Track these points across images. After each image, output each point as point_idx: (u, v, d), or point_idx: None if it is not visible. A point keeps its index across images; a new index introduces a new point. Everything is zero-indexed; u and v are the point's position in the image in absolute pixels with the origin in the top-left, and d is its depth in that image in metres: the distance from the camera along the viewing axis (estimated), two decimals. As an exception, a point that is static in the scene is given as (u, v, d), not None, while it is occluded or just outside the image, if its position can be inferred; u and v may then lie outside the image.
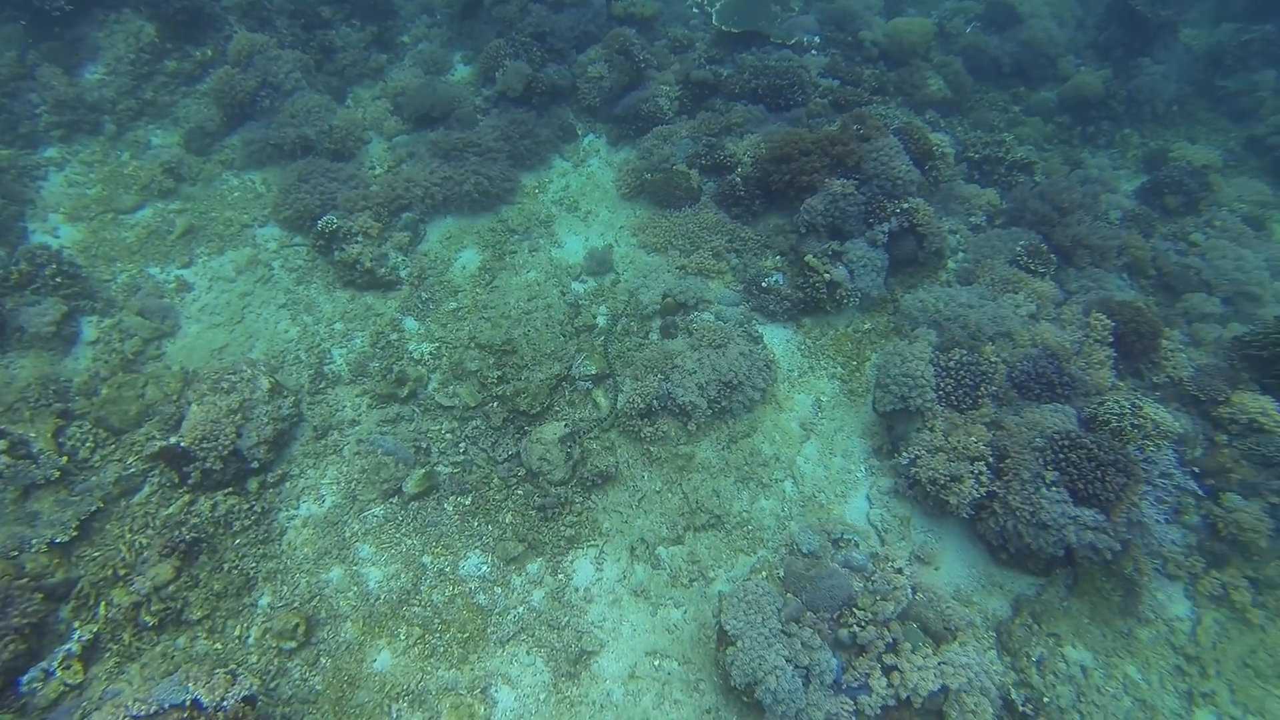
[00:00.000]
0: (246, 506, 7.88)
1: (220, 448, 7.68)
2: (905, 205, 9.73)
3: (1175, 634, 8.00)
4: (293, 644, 7.05)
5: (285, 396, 8.51)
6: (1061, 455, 7.54)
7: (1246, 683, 7.74)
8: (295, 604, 7.47)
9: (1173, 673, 7.79)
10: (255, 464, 7.97)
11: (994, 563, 8.18)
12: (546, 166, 11.89)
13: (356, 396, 9.15)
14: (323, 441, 8.70)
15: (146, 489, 7.90)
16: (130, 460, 7.95)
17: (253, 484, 8.02)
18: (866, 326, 9.97)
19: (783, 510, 8.54)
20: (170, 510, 7.57)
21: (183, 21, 11.62)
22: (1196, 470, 8.38)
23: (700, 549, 8.24)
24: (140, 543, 7.31)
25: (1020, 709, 7.25)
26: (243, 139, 11.24)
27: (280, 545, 7.90)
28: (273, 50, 11.37)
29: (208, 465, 7.64)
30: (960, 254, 10.58)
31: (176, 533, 7.27)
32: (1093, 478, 7.29)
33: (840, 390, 9.45)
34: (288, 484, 8.31)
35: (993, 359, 8.76)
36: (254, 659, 7.09)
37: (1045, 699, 7.42)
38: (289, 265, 10.32)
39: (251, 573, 7.60)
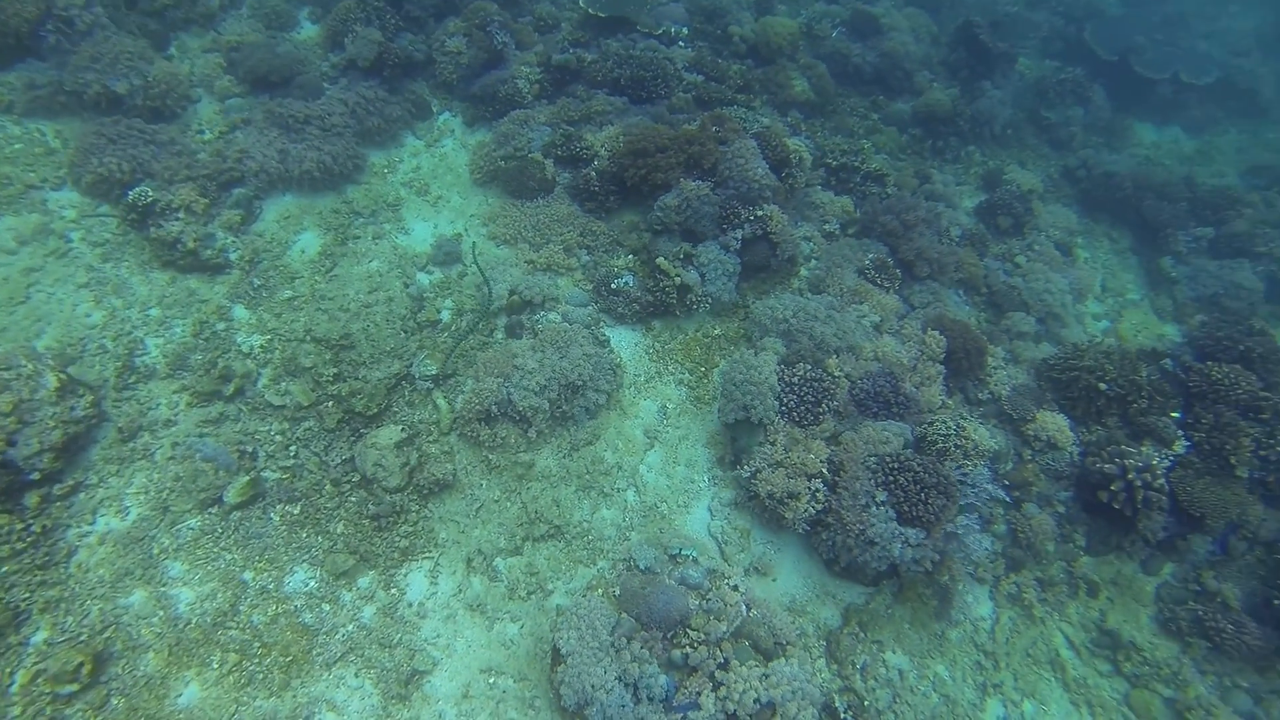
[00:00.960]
0: (20, 526, 6.93)
1: (-20, 460, 6.68)
2: (760, 212, 9.77)
3: (978, 632, 8.65)
4: (74, 687, 6.26)
5: (80, 395, 7.55)
6: (891, 477, 7.85)
7: (1027, 670, 8.52)
8: (82, 637, 6.67)
9: (973, 668, 8.43)
10: (35, 475, 7.02)
11: (828, 574, 8.52)
12: (398, 144, 11.13)
13: (174, 393, 8.29)
14: (130, 445, 7.82)
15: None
16: None
17: (31, 498, 7.06)
18: (716, 332, 10.00)
19: (624, 520, 8.49)
20: (-88, 537, 6.53)
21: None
22: (1007, 484, 8.97)
23: (539, 560, 8.08)
24: None
25: (842, 715, 7.57)
26: (24, 80, 9.67)
27: (66, 569, 7.04)
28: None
29: (-41, 480, 6.62)
30: (813, 261, 10.79)
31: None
32: (917, 500, 7.65)
33: (687, 397, 9.45)
34: (81, 495, 7.42)
35: (836, 374, 8.99)
36: (16, 712, 6.25)
37: (865, 703, 7.80)
38: (93, 239, 9.13)
39: (22, 605, 6.71)
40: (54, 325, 8.39)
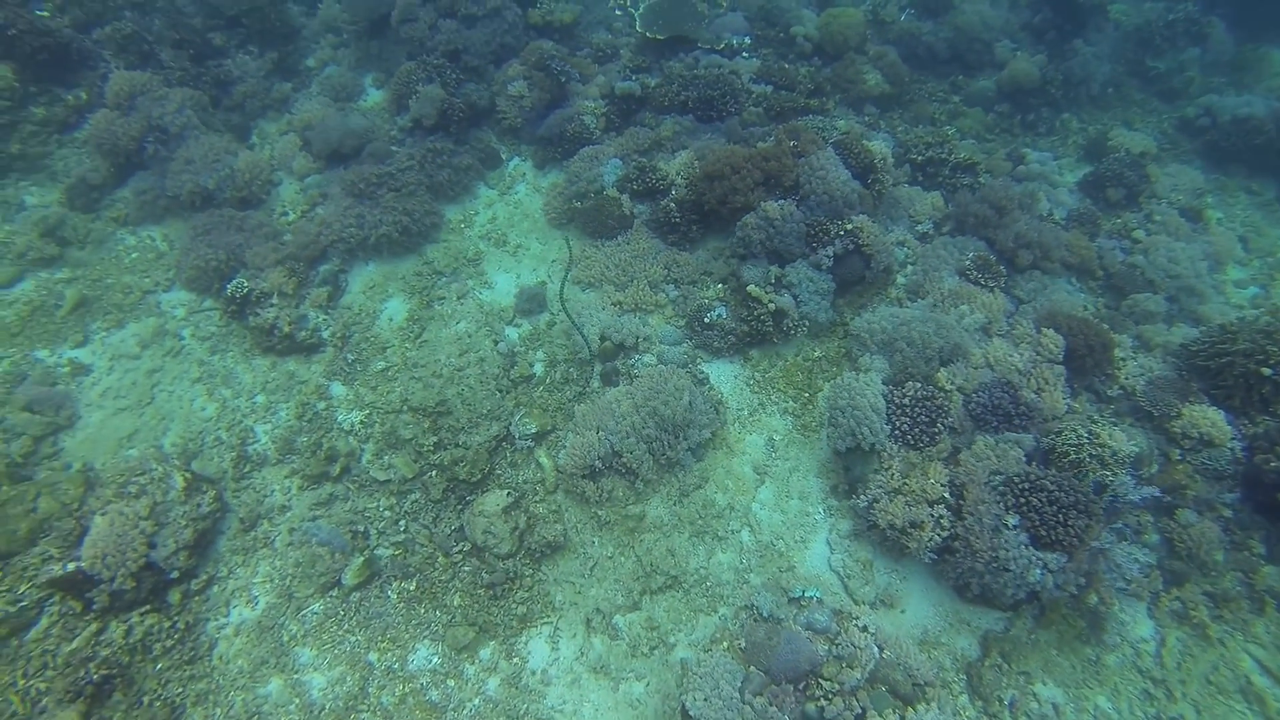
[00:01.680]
0: (168, 624, 7.23)
1: (129, 564, 6.98)
2: (849, 225, 9.27)
3: (1141, 656, 7.85)
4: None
5: (204, 491, 7.82)
6: (1022, 499, 7.23)
7: (1211, 701, 7.64)
8: (229, 730, 6.88)
9: (1141, 698, 7.66)
10: (175, 573, 7.29)
11: (960, 600, 7.93)
12: (471, 196, 11.16)
13: (285, 478, 8.51)
14: (251, 534, 8.07)
15: (44, 622, 7.09)
16: (22, 589, 7.12)
17: (174, 595, 7.35)
18: (817, 354, 9.56)
19: (741, 562, 8.17)
20: (74, 645, 6.85)
21: (45, 60, 10.47)
22: (1157, 491, 8.17)
23: (659, 613, 7.85)
24: (36, 689, 6.58)
25: (997, 761, 7.06)
26: (134, 191, 10.26)
27: (210, 661, 7.29)
28: (157, 89, 10.35)
29: (116, 586, 6.93)
30: (909, 266, 10.19)
31: (82, 671, 6.57)
32: (1054, 522, 7.03)
33: (793, 426, 9.04)
34: (215, 588, 7.67)
35: (947, 387, 8.42)
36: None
37: (1020, 743, 7.25)
38: (200, 333, 9.52)
39: (178, 700, 6.99)
40: (176, 422, 8.78)
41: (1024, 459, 7.78)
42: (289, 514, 8.23)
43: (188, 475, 7.80)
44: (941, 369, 8.70)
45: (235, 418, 8.87)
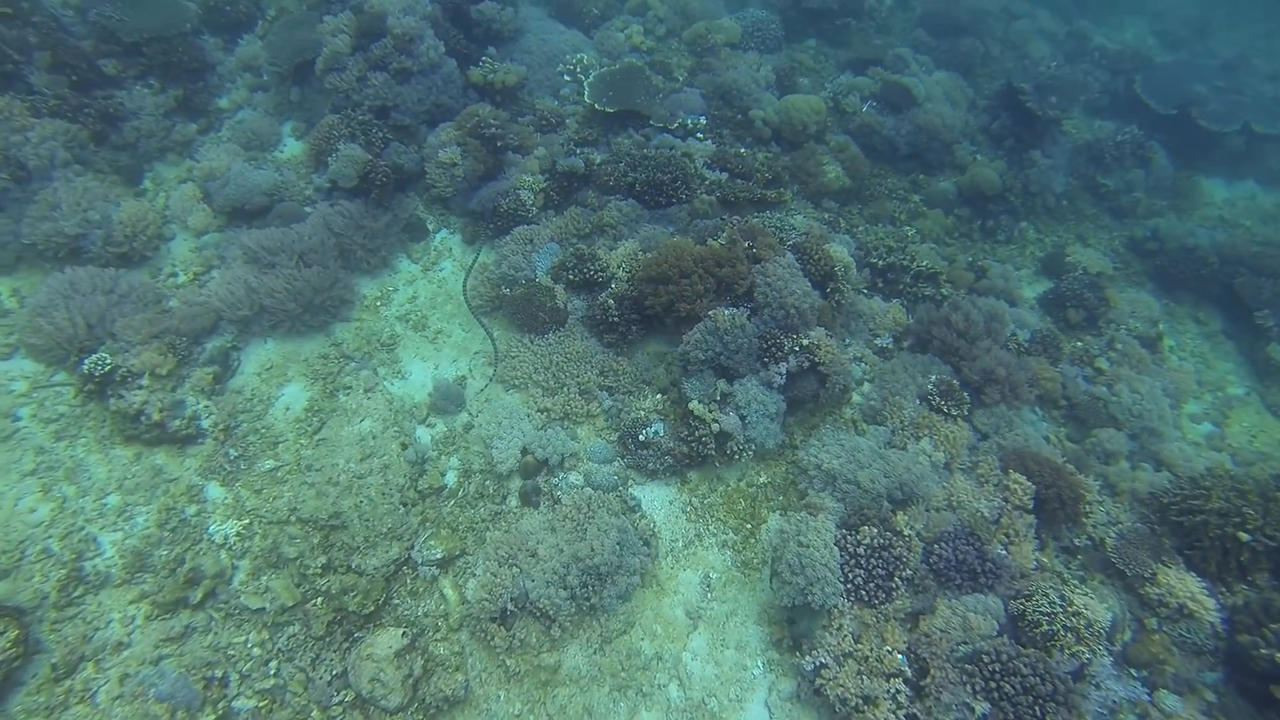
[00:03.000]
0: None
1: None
2: (805, 340, 8.61)
3: None
4: None
5: (1, 631, 6.40)
6: (993, 683, 6.51)
7: None
8: None
9: None
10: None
11: (914, 782, 7.10)
12: (391, 270, 10.15)
13: (130, 604, 7.19)
14: (64, 685, 6.64)
15: None
16: None
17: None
18: (762, 480, 8.81)
19: (668, 725, 7.19)
20: None
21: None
22: (1134, 671, 7.57)
23: (570, 789, 6.78)
24: None
25: None
26: (-21, 237, 8.84)
27: None
28: (19, 118, 8.99)
29: None
30: (866, 384, 9.60)
31: None
32: (1030, 717, 6.28)
33: (732, 562, 8.23)
34: (-3, 769, 6.23)
35: (906, 533, 7.72)
36: None
37: None
38: (44, 414, 8.14)
39: None
40: (-7, 527, 7.34)
41: (994, 627, 7.09)
42: (125, 653, 6.90)
43: (-12, 607, 6.42)
44: (900, 512, 8.04)
45: (76, 523, 7.52)
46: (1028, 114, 12.95)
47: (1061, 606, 7.18)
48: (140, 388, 8.07)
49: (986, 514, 8.02)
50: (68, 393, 8.27)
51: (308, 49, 10.71)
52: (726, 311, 8.51)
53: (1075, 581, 7.98)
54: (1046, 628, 7.04)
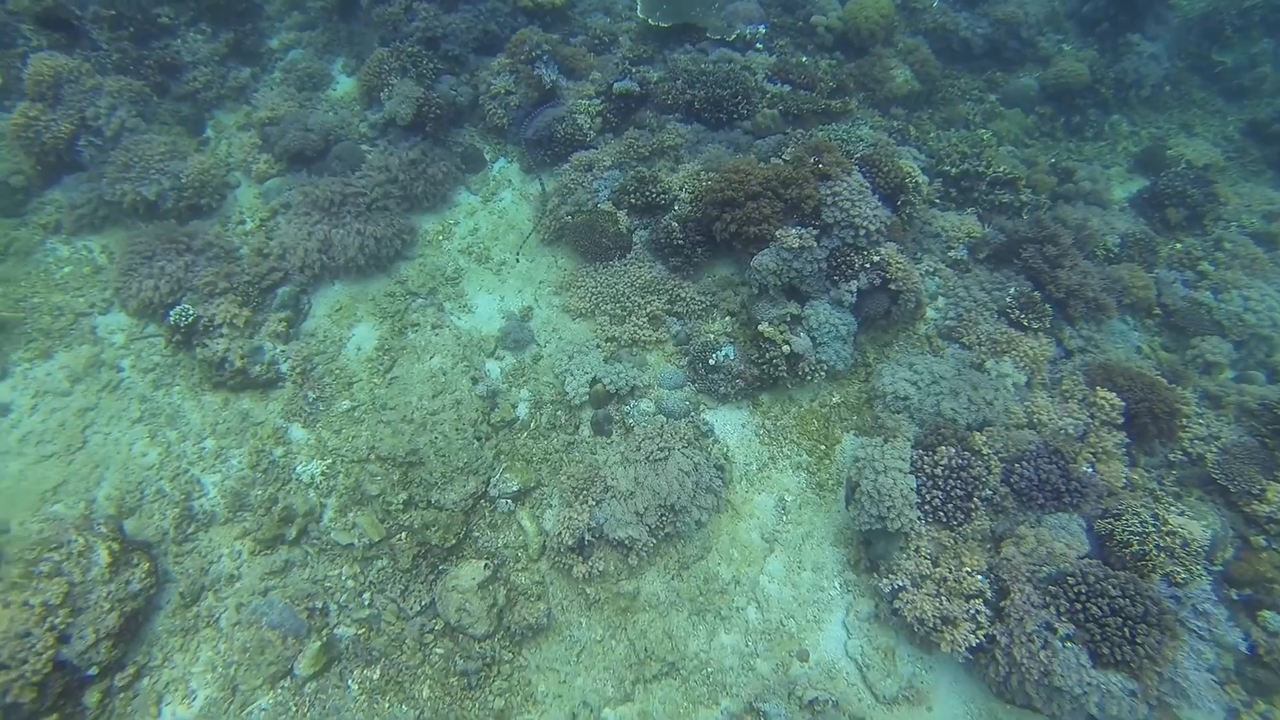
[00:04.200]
0: (80, 737, 6.41)
1: (31, 672, 6.11)
2: (876, 258, 8.33)
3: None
4: None
5: (135, 564, 7.00)
6: (1078, 605, 6.40)
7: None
8: None
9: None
10: (94, 670, 6.47)
11: (998, 699, 7.14)
12: (451, 204, 10.19)
13: (235, 540, 7.70)
14: (193, 611, 7.27)
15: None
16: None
17: (91, 696, 6.53)
18: (835, 400, 8.72)
19: (747, 645, 7.44)
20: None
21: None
22: (1234, 592, 7.31)
23: (654, 706, 7.15)
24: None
25: None
26: (66, 198, 9.21)
27: (135, 773, 6.51)
28: (88, 78, 9.22)
29: (9, 700, 6.06)
30: (940, 299, 9.27)
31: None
32: (1119, 639, 6.19)
33: (807, 484, 8.24)
34: (145, 680, 6.88)
35: (984, 451, 7.56)
36: None
37: None
38: (142, 364, 8.62)
39: (94, 823, 6.23)
40: (112, 470, 7.94)
41: (1080, 549, 6.94)
42: (238, 585, 7.42)
43: (115, 545, 6.95)
44: (978, 431, 7.86)
45: (180, 466, 8.03)
46: (1125, -9, 11.91)
47: (1154, 525, 6.96)
48: (222, 336, 8.43)
49: (1071, 431, 7.77)
50: (159, 343, 8.71)
51: (353, -20, 10.61)
52: (795, 232, 8.27)
53: (1169, 499, 7.72)
54: (1137, 547, 6.85)
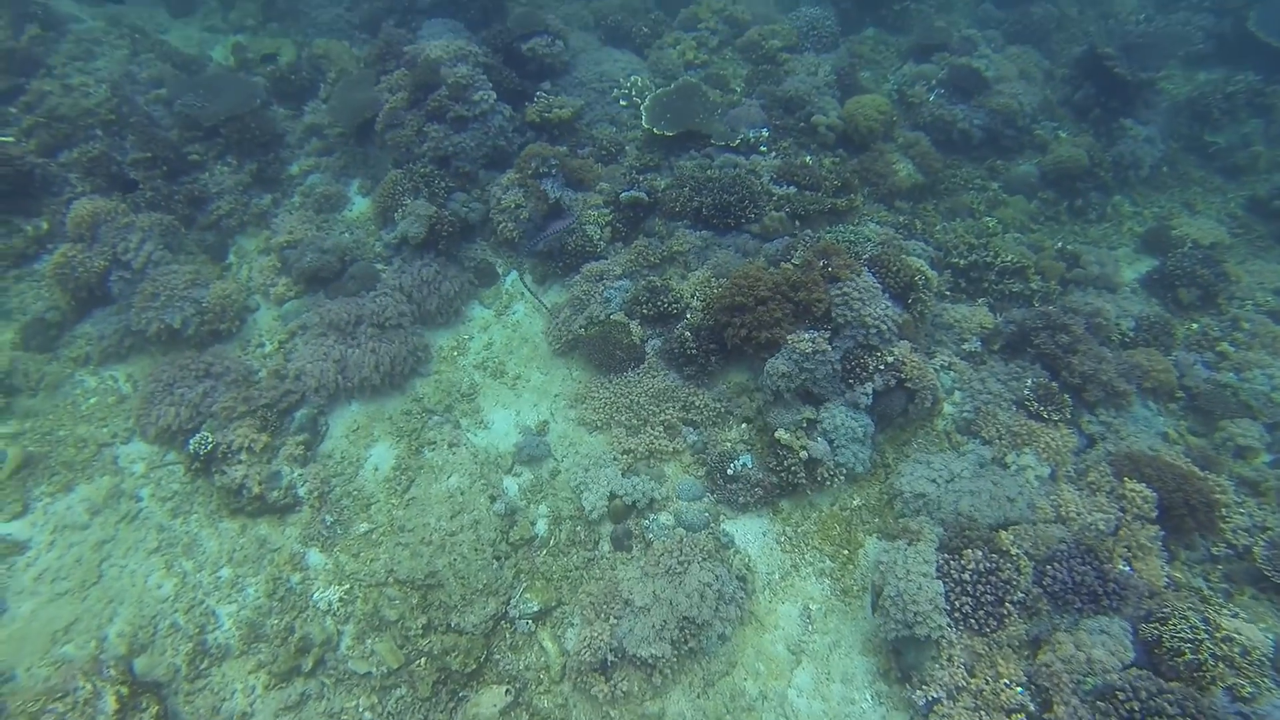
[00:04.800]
0: None
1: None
2: (889, 358, 8.30)
3: None
4: None
5: (145, 708, 6.84)
6: (1125, 721, 6.09)
7: None
8: None
9: None
10: (102, 825, 6.28)
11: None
12: (464, 319, 10.35)
13: (250, 674, 7.53)
14: (204, 753, 7.04)
15: None
16: None
17: None
18: (855, 503, 8.56)
19: (779, 768, 7.06)
20: None
21: (5, 190, 9.86)
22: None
23: (685, 839, 6.73)
24: None
25: None
26: (96, 330, 9.48)
27: None
28: (122, 216, 9.62)
29: None
30: (957, 393, 9.18)
31: None
32: (1175, 763, 5.85)
33: (832, 591, 8.02)
34: (156, 831, 6.62)
35: (1013, 551, 7.35)
36: None
37: None
38: (162, 493, 8.68)
39: None
40: (126, 605, 7.87)
41: (1124, 657, 6.64)
42: (252, 723, 7.24)
43: (124, 689, 6.84)
44: (1003, 530, 7.66)
45: (196, 597, 7.96)
46: (1115, 80, 12.17)
47: (1206, 630, 6.65)
48: (240, 462, 8.48)
49: (1102, 527, 7.55)
50: (179, 470, 8.77)
51: (367, 108, 11.06)
52: (807, 336, 8.30)
53: (1217, 599, 7.41)
54: (1190, 656, 6.53)
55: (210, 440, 8.49)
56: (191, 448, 8.49)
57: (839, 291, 8.49)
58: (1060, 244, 11.27)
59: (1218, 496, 7.84)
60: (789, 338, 8.33)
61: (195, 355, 9.25)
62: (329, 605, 7.97)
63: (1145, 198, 12.38)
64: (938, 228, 10.97)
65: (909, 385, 8.41)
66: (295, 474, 8.70)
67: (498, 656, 7.68)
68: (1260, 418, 8.91)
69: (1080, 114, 12.79)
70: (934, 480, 8.09)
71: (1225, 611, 7.06)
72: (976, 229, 11.22)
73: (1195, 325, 10.10)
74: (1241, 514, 8.03)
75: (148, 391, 8.87)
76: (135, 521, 8.48)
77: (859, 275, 8.58)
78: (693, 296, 9.42)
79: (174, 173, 10.74)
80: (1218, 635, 6.59)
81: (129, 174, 10.38)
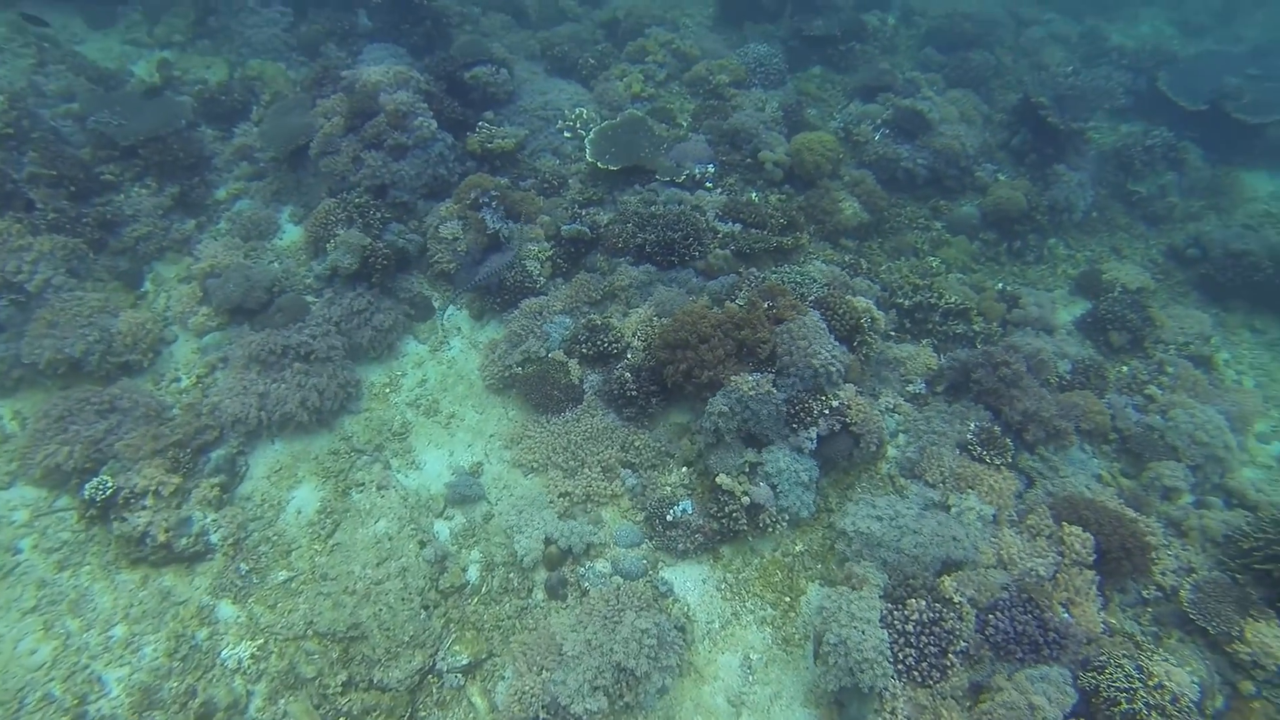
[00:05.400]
0: None
1: None
2: (834, 402, 8.18)
3: None
4: None
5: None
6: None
7: None
8: None
9: None
10: None
11: None
12: (397, 355, 9.91)
13: (138, 750, 6.85)
14: None
15: None
16: None
17: None
18: (798, 549, 8.36)
19: (720, 832, 6.73)
20: None
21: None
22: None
23: None
24: None
25: None
26: (-19, 361, 8.74)
27: None
28: (16, 238, 8.95)
29: None
30: (901, 435, 9.13)
31: None
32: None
33: (773, 640, 7.77)
34: None
35: (956, 599, 7.21)
36: None
37: None
38: (46, 544, 7.92)
39: None
40: (-11, 677, 7.08)
41: (1067, 710, 6.54)
42: (138, 806, 6.59)
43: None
44: (947, 575, 7.55)
45: (79, 661, 7.22)
46: (1049, 128, 12.49)
47: (1140, 679, 6.60)
48: (144, 508, 7.87)
49: (1042, 572, 7.49)
50: (70, 518, 8.09)
51: (301, 133, 10.63)
52: (750, 378, 8.12)
53: (1149, 644, 7.40)
54: (1126, 707, 6.46)
55: (110, 484, 7.85)
56: (87, 493, 7.82)
57: (784, 331, 8.37)
58: (1001, 285, 11.43)
59: (1149, 539, 7.88)
60: (732, 379, 8.15)
61: (98, 389, 8.61)
62: (239, 663, 7.36)
63: (1078, 241, 12.67)
64: (883, 268, 11.00)
65: (854, 429, 8.29)
66: (209, 519, 8.10)
67: (423, 714, 7.20)
68: (1184, 459, 9.06)
69: (1018, 158, 13.08)
70: (878, 518, 7.94)
71: (1156, 657, 7.04)
72: (921, 269, 11.30)
73: (1125, 368, 10.29)
74: (1169, 555, 8.09)
75: (37, 428, 8.16)
76: (10, 577, 7.67)
77: (805, 315, 8.47)
78: (634, 335, 9.19)
79: (83, 193, 10.06)
80: (1150, 683, 6.55)
81: (26, 192, 9.69)
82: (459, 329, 10.16)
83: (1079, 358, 10.11)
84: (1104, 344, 10.58)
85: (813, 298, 8.98)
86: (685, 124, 12.61)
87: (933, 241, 12.03)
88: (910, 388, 9.51)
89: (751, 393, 8.02)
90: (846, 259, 10.95)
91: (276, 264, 10.31)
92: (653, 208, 10.38)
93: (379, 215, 10.12)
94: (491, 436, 9.13)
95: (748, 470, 8.15)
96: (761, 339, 8.25)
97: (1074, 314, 11.32)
